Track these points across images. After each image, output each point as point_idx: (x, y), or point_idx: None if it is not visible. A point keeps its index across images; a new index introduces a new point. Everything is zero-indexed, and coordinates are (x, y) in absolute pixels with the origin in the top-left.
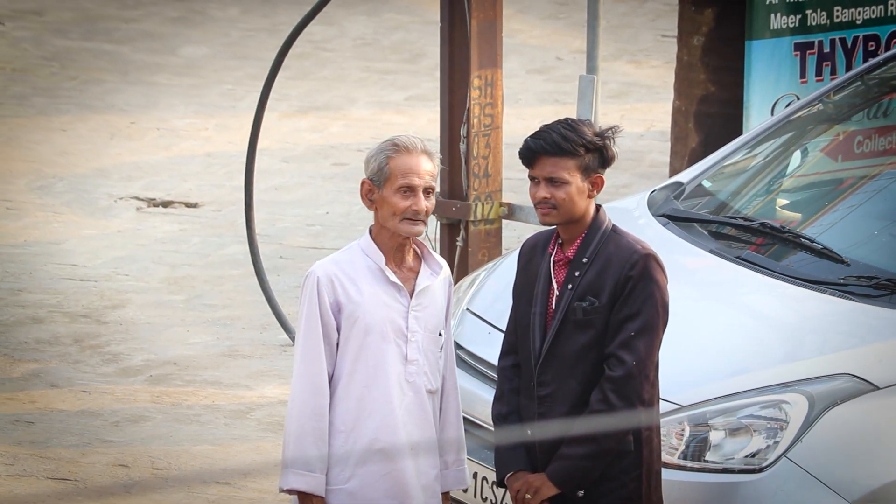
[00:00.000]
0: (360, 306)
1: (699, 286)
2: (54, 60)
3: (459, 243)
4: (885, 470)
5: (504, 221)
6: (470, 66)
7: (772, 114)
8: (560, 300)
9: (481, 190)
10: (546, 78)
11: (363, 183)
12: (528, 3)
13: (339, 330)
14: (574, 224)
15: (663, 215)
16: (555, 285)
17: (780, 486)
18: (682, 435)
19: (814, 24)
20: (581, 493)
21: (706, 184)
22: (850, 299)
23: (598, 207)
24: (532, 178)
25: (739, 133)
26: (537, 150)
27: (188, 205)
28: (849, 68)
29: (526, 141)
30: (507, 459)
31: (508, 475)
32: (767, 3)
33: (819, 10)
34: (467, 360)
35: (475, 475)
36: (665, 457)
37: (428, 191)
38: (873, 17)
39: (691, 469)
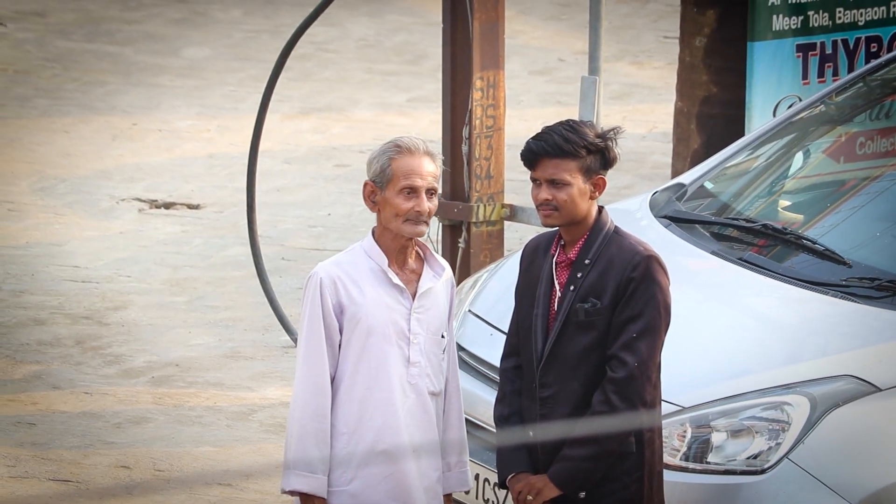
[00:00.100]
0: (363, 308)
1: (701, 287)
2: (56, 62)
3: (461, 245)
4: (887, 471)
5: (506, 223)
6: (472, 68)
7: (774, 115)
8: (562, 301)
9: (483, 191)
10: (548, 79)
11: (365, 185)
12: (530, 5)
13: (341, 331)
14: (576, 225)
15: (665, 217)
16: (557, 287)
17: (781, 487)
18: (684, 436)
19: (816, 25)
20: (583, 494)
21: (708, 185)
22: (852, 301)
23: (600, 209)
24: (534, 179)
25: (741, 134)
26: (539, 151)
27: (190, 206)
28: (851, 70)
29: (527, 142)
30: (508, 461)
31: (510, 476)
32: (769, 4)
33: (821, 12)
34: (469, 362)
35: (477, 476)
36: (667, 458)
37: (430, 192)
38: (875, 18)
39: (693, 471)
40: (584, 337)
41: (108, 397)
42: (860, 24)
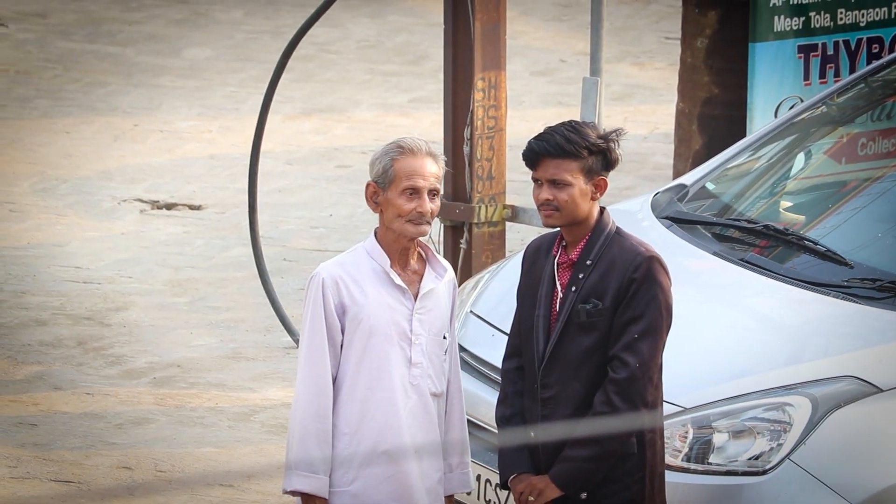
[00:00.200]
0: (365, 308)
1: (703, 288)
2: (58, 62)
3: (463, 245)
4: (889, 472)
5: (507, 224)
6: (473, 69)
7: (775, 116)
8: (564, 302)
9: (485, 192)
10: (549, 80)
11: (368, 185)
12: (531, 5)
13: (343, 332)
14: (578, 226)
15: (667, 217)
16: (558, 287)
17: (783, 488)
18: (686, 437)
19: (817, 26)
20: (584, 495)
21: (710, 186)
22: (854, 301)
23: (602, 210)
24: (535, 180)
25: (743, 135)
26: (540, 151)
27: (192, 207)
28: (852, 70)
29: (529, 143)
30: (510, 461)
31: (512, 477)
32: (771, 5)
33: (823, 13)
34: (471, 363)
35: (478, 477)
36: (668, 459)
37: (433, 193)
38: (877, 19)
39: (695, 471)
40: (586, 338)
41: (110, 398)
42: (862, 24)
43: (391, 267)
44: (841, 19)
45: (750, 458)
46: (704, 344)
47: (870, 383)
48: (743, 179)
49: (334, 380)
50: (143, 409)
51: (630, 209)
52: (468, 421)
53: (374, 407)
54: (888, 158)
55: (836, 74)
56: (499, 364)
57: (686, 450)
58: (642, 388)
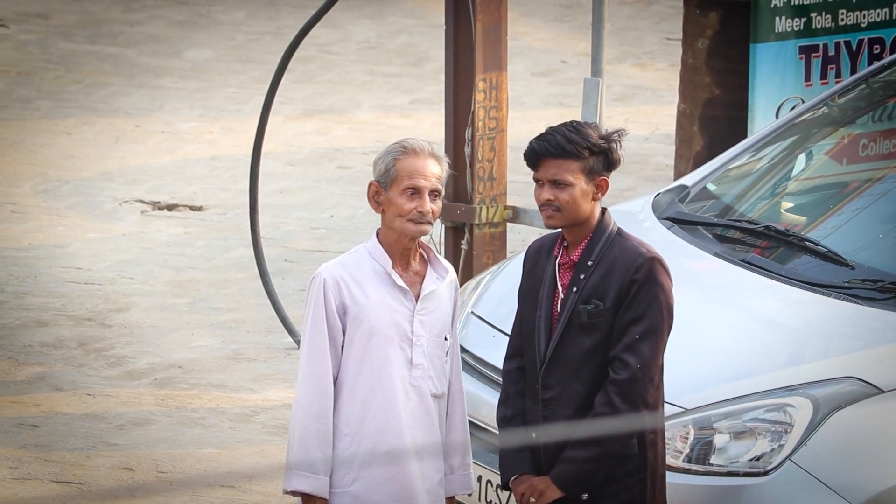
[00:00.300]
0: (366, 309)
1: (704, 289)
2: (59, 64)
3: (464, 246)
4: (890, 473)
5: (508, 225)
6: (474, 70)
7: (776, 117)
8: (565, 303)
9: (486, 193)
10: (551, 81)
11: (370, 185)
12: (532, 6)
13: (344, 332)
14: (579, 227)
15: (668, 218)
16: (560, 288)
17: (784, 489)
18: (687, 438)
19: (818, 27)
20: (585, 496)
21: (711, 187)
22: (855, 302)
23: (603, 210)
24: (536, 180)
25: (744, 136)
26: (541, 152)
27: (193, 208)
28: (853, 71)
29: (530, 143)
30: (511, 462)
31: (513, 478)
32: (772, 6)
33: (824, 14)
34: (472, 364)
35: (479, 478)
36: (669, 460)
37: (434, 193)
38: (878, 20)
39: (696, 472)
40: (587, 338)
41: (111, 399)
42: (863, 25)
43: (393, 268)
44: (842, 20)
45: (751, 459)
46: (705, 345)
47: (871, 384)
48: (744, 180)
49: (335, 380)
50: (144, 409)
51: (631, 210)
52: (469, 422)
53: (375, 408)
54: (889, 159)
55: (838, 75)
56: (500, 365)
57: (687, 451)
58: (643, 388)
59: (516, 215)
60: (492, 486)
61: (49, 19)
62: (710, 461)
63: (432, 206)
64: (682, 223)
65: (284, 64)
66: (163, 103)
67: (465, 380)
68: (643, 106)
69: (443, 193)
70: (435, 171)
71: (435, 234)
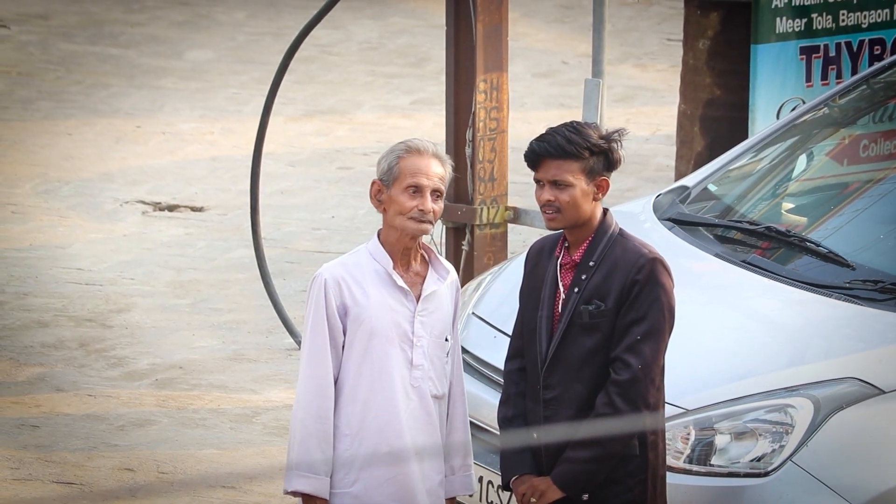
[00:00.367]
0: (366, 309)
1: (705, 290)
2: (60, 64)
3: (465, 247)
4: (891, 473)
5: (509, 225)
6: (475, 70)
7: (777, 117)
8: (566, 303)
9: (487, 194)
10: (551, 81)
11: (373, 183)
12: (533, 7)
13: (345, 332)
14: (580, 227)
15: (669, 219)
16: (561, 289)
17: (785, 490)
18: (688, 439)
19: (819, 27)
20: (586, 496)
21: (712, 188)
22: (856, 303)
23: (605, 211)
24: (537, 180)
25: (745, 137)
26: (541, 152)
27: (194, 209)
28: (854, 72)
29: (530, 144)
30: (512, 463)
31: (514, 478)
32: (773, 6)
33: (825, 14)
34: (472, 364)
35: (480, 479)
36: (670, 461)
37: (436, 193)
38: (879, 20)
39: (697, 473)
40: (589, 339)
41: (112, 400)
42: (864, 26)
43: (394, 268)
44: (843, 21)
45: (752, 460)
46: (706, 345)
47: (871, 385)
48: (745, 181)
49: (336, 381)
50: (144, 410)
51: (632, 211)
52: (470, 422)
53: (376, 408)
54: (890, 160)
55: (838, 76)
56: (500, 365)
57: (688, 451)
58: (644, 389)
59: (517, 216)
60: (493, 486)
61: (50, 20)
62: (711, 462)
63: (434, 205)
64: (682, 224)
65: (285, 64)
66: (163, 104)
67: (466, 380)
68: (644, 107)
69: (445, 194)
70: (438, 171)
71: (436, 235)
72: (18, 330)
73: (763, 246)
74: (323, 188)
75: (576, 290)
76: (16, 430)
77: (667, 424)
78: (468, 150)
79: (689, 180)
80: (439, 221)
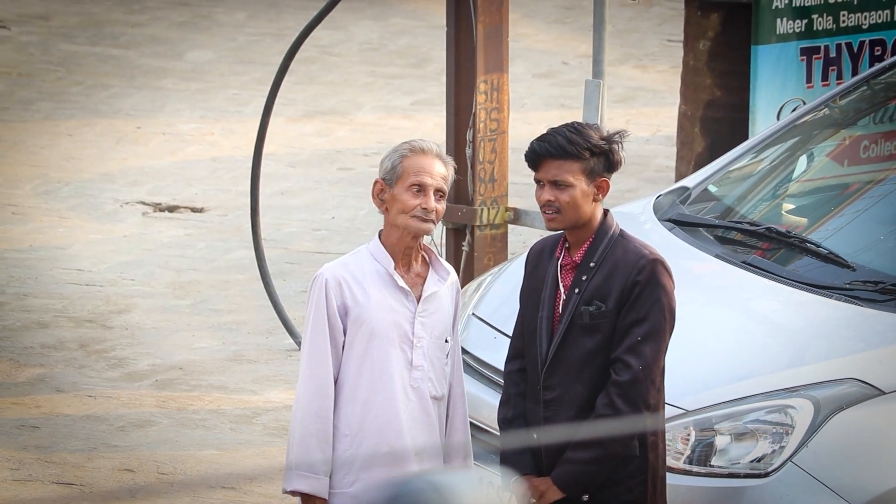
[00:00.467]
0: (367, 310)
1: (705, 291)
2: (60, 65)
3: (465, 248)
4: (891, 474)
5: (509, 226)
6: (476, 71)
7: (778, 118)
8: (567, 304)
9: (487, 195)
10: (552, 82)
11: (375, 183)
12: (534, 8)
13: (345, 333)
14: (581, 228)
15: (669, 220)
16: (562, 289)
17: (785, 490)
18: (688, 440)
19: (820, 28)
20: (586, 497)
21: (712, 188)
22: (856, 304)
23: (605, 212)
24: (537, 181)
25: (745, 138)
26: (542, 153)
27: (194, 209)
28: (855, 73)
29: (531, 144)
30: (512, 464)
31: (514, 479)
32: (773, 7)
33: (825, 15)
34: (473, 365)
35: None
36: (671, 462)
37: (439, 193)
38: (879, 21)
39: (697, 474)
40: (589, 340)
41: (112, 400)
42: (864, 27)
43: (395, 269)
44: (843, 22)
45: (752, 461)
46: (706, 346)
47: (872, 386)
48: (745, 182)
49: (336, 381)
50: (144, 411)
51: (632, 212)
52: (470, 423)
53: (375, 409)
54: (890, 161)
55: (839, 77)
56: (501, 366)
57: (688, 452)
58: (645, 390)
59: (517, 217)
60: (492, 487)
61: (50, 21)
62: (711, 463)
63: (437, 205)
64: (683, 225)
65: (286, 65)
66: (164, 105)
67: (466, 381)
68: (644, 108)
69: (447, 195)
70: (441, 171)
71: (436, 236)
72: (18, 331)
73: (763, 247)
74: (323, 189)
75: (576, 290)
76: (16, 431)
77: (667, 425)
78: (468, 151)
79: (690, 181)
80: (440, 222)
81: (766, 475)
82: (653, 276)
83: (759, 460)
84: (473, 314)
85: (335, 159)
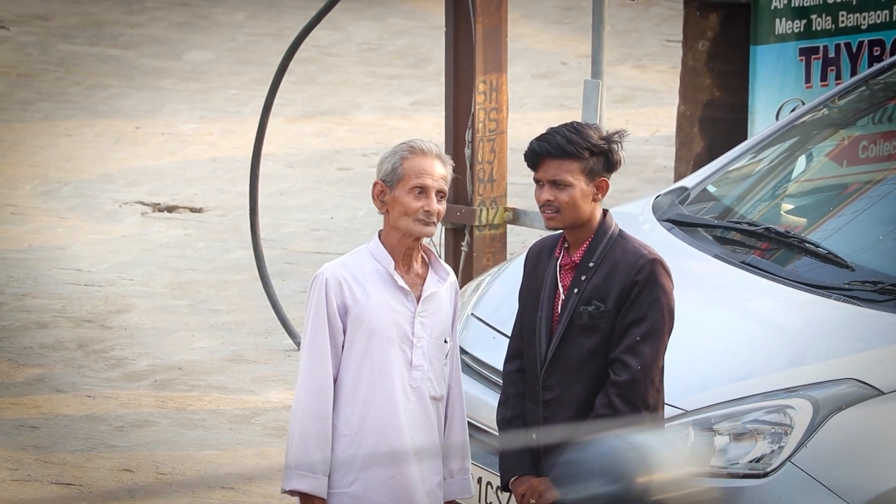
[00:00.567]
0: (367, 309)
1: (704, 291)
2: (60, 65)
3: (464, 248)
4: (890, 474)
5: (508, 226)
6: (475, 71)
7: (777, 119)
8: (566, 304)
9: (486, 195)
10: (551, 83)
11: (375, 184)
12: (533, 8)
13: (345, 332)
14: (580, 228)
15: (668, 220)
16: (561, 289)
17: (784, 491)
18: (687, 440)
19: (819, 29)
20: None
21: (711, 189)
22: (855, 304)
23: (605, 212)
24: (537, 180)
25: (744, 138)
26: (541, 152)
27: (193, 210)
28: (854, 73)
29: (530, 143)
30: (511, 463)
31: (513, 479)
32: (773, 7)
33: (824, 15)
34: (472, 365)
35: (479, 480)
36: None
37: (440, 194)
38: (878, 22)
39: (696, 474)
40: (588, 340)
41: (111, 401)
42: (863, 27)
43: (395, 269)
44: (842, 22)
45: (751, 461)
46: (706, 346)
47: (871, 386)
48: (744, 182)
49: (335, 380)
50: (143, 411)
51: (631, 212)
52: (469, 423)
53: (375, 409)
54: (889, 161)
55: (838, 77)
56: (500, 366)
57: (687, 452)
58: (644, 390)
59: (516, 217)
60: (492, 487)
61: (49, 21)
62: (710, 463)
63: (438, 206)
64: (682, 225)
65: (285, 65)
66: (163, 105)
67: (465, 381)
68: (643, 108)
69: (447, 195)
70: (441, 171)
71: (435, 236)
72: (17, 331)
73: (762, 247)
74: (322, 189)
75: (575, 290)
76: (15, 431)
77: (666, 425)
78: (467, 151)
79: (689, 181)
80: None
81: (766, 475)
82: (652, 276)
83: (758, 460)
84: (472, 314)
85: (334, 159)
